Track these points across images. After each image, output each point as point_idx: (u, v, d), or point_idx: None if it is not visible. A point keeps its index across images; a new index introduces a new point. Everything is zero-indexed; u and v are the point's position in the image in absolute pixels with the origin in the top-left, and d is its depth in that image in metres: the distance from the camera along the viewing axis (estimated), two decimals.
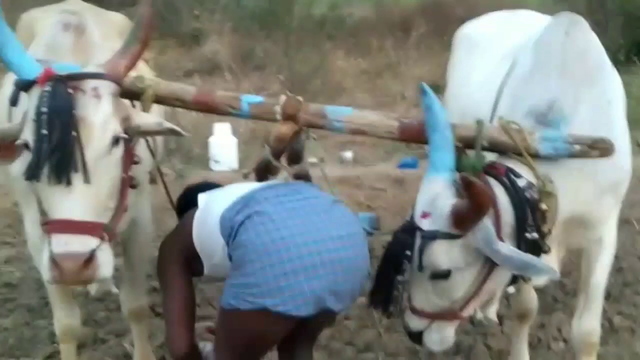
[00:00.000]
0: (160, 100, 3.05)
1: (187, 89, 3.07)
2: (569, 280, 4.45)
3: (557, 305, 4.54)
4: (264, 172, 4.23)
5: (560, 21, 3.02)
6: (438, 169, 2.71)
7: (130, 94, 2.93)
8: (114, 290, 4.84)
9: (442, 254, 2.60)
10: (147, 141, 3.22)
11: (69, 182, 2.44)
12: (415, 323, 2.87)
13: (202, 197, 2.84)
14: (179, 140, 7.13)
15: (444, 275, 2.65)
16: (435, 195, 2.65)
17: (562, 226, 2.89)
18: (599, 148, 2.75)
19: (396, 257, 2.66)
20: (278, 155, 3.33)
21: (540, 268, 2.57)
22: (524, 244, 2.69)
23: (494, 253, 2.56)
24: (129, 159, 2.82)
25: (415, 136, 2.96)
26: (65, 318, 3.49)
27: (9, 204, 6.41)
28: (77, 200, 2.46)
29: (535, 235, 2.69)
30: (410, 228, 2.67)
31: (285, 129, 2.98)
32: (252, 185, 2.83)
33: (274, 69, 11.25)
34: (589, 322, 3.28)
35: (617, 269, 3.28)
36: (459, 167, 2.75)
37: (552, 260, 3.00)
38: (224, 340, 2.69)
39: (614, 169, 2.97)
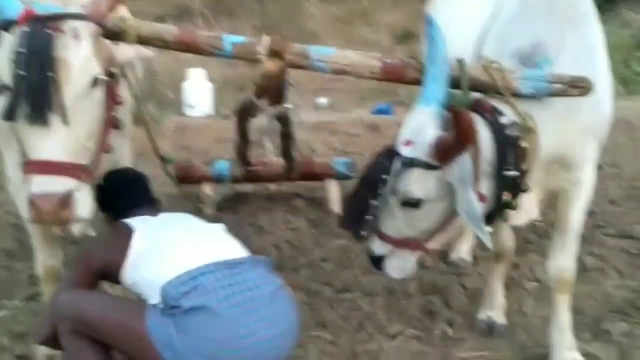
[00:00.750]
0: (142, 40, 3.02)
1: (169, 29, 3.05)
2: (542, 223, 4.54)
3: (530, 247, 4.63)
4: (245, 113, 4.26)
5: None
6: (429, 100, 2.75)
7: (113, 34, 2.91)
8: (92, 233, 4.89)
9: (417, 182, 2.66)
10: (129, 82, 3.21)
11: (46, 123, 2.45)
12: (379, 247, 2.91)
13: (137, 234, 2.82)
14: (152, 86, 7.07)
15: (415, 204, 2.71)
16: (422, 125, 2.69)
17: (543, 167, 2.95)
18: (579, 87, 2.80)
19: (373, 180, 2.71)
20: (260, 96, 3.35)
21: (482, 231, 2.64)
22: (503, 181, 2.75)
23: (461, 193, 2.62)
24: (112, 100, 2.83)
25: (397, 76, 2.99)
26: (47, 259, 3.50)
27: None
28: (55, 141, 2.48)
29: (515, 172, 2.75)
30: (390, 153, 2.72)
31: (272, 65, 2.97)
32: (188, 242, 2.82)
33: (246, 15, 11.14)
34: (564, 260, 3.36)
35: (588, 212, 3.35)
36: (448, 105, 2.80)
37: (531, 202, 3.08)
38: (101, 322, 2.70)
39: (597, 111, 3.03)
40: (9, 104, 2.46)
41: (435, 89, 2.76)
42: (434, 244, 2.91)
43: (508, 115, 2.79)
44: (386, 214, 2.83)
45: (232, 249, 2.86)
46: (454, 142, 2.56)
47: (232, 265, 2.71)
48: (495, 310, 3.79)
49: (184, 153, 6.31)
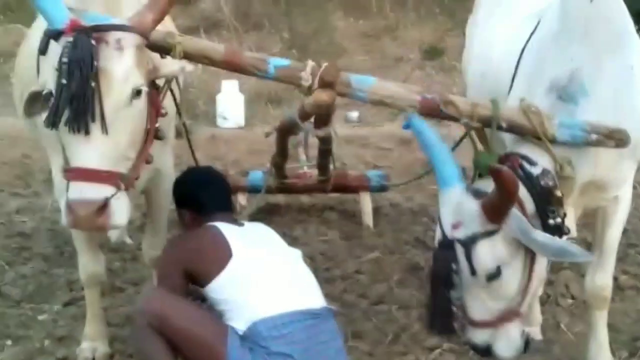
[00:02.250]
0: (188, 56, 3.04)
1: (216, 48, 3.07)
2: (575, 240, 4.54)
3: (565, 264, 4.62)
4: (287, 131, 4.35)
5: None
6: (447, 181, 2.77)
7: (160, 48, 2.95)
8: (128, 240, 4.96)
9: (488, 253, 2.63)
10: (173, 94, 3.25)
11: (87, 132, 2.49)
12: (480, 336, 2.84)
13: (235, 251, 2.93)
14: (185, 97, 7.14)
15: (496, 274, 2.67)
16: (457, 204, 2.70)
17: (580, 189, 2.95)
18: (615, 139, 2.78)
19: (444, 273, 2.69)
20: (305, 119, 3.38)
21: (575, 253, 2.62)
22: (548, 230, 2.74)
23: (530, 241, 2.61)
24: (155, 111, 2.87)
25: (435, 112, 2.95)
26: (90, 264, 3.55)
27: (18, 155, 6.46)
28: (95, 150, 2.53)
29: (558, 220, 2.76)
30: (446, 243, 2.71)
31: (324, 96, 2.97)
32: (281, 277, 2.97)
33: (274, 28, 11.24)
34: (602, 277, 3.37)
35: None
36: (475, 164, 2.85)
37: (569, 221, 3.08)
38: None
39: (637, 134, 3.02)
40: (50, 111, 2.51)
41: (447, 169, 2.79)
42: (525, 306, 2.85)
43: (539, 164, 2.80)
44: (472, 302, 2.79)
45: (315, 293, 3.04)
46: (502, 199, 2.55)
47: (314, 315, 2.89)
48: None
49: (217, 163, 6.35)
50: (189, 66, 2.90)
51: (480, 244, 2.63)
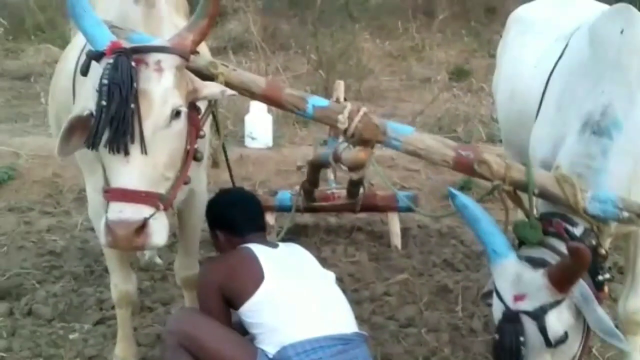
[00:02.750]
0: (229, 86, 3.05)
1: (257, 82, 3.06)
2: (608, 264, 4.50)
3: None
4: (319, 166, 4.42)
5: (616, 17, 3.01)
6: (500, 253, 2.73)
7: (203, 76, 2.96)
8: (158, 260, 4.99)
9: (558, 321, 2.61)
10: (214, 116, 3.28)
11: (126, 153, 2.52)
12: None
13: (268, 274, 2.96)
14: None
15: (564, 339, 2.65)
16: (516, 275, 2.67)
17: None
18: None
19: (514, 347, 2.63)
20: (339, 161, 3.40)
21: (620, 339, 2.61)
22: (598, 286, 2.74)
23: (590, 312, 2.61)
24: (195, 132, 2.89)
25: (468, 169, 2.92)
26: (122, 283, 3.57)
27: (49, 175, 6.54)
28: (134, 170, 2.55)
29: (606, 276, 2.77)
30: (511, 316, 2.66)
31: (363, 155, 2.98)
32: (314, 301, 3.00)
33: (301, 49, 11.32)
34: (635, 301, 3.33)
35: None
36: (517, 234, 2.81)
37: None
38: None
39: None
40: (90, 132, 2.54)
41: (497, 240, 2.75)
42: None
43: (580, 223, 2.78)
44: None
45: (347, 317, 3.06)
46: (575, 272, 2.53)
47: (345, 341, 2.91)
48: None
49: (245, 183, 6.39)
50: (229, 90, 2.92)
51: (550, 314, 2.60)
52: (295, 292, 2.96)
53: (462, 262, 5.07)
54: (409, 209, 5.37)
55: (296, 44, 11.52)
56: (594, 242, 2.76)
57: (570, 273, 2.54)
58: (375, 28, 12.77)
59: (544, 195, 2.81)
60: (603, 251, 2.77)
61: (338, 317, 3.01)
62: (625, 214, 2.69)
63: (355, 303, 4.33)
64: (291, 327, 2.86)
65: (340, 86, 4.92)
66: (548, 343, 2.61)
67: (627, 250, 3.33)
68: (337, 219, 5.87)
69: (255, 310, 2.91)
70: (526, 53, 3.81)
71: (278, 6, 12.93)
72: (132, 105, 2.51)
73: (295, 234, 5.49)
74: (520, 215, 3.08)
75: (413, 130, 2.97)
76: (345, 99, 4.89)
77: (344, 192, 5.24)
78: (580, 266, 2.49)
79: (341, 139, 3.04)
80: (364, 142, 2.96)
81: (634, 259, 3.31)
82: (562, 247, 2.72)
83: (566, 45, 3.35)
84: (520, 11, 4.35)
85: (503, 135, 4.53)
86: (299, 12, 12.45)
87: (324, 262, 4.91)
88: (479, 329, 4.16)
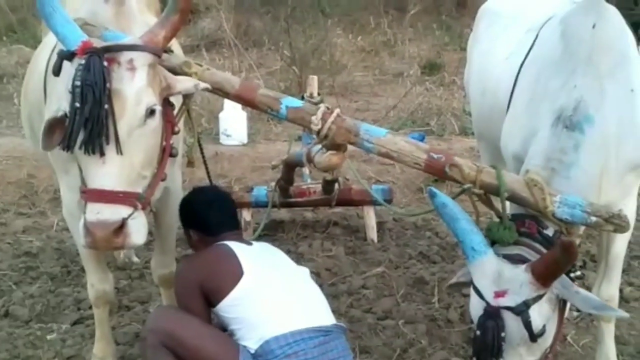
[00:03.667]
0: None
1: (231, 82, 3.06)
2: (580, 254, 4.56)
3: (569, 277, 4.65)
4: (293, 165, 4.46)
5: (588, 11, 3.06)
6: (478, 250, 2.76)
7: (176, 74, 2.95)
8: (136, 259, 4.98)
9: (539, 315, 2.64)
10: (189, 113, 3.27)
11: (102, 154, 2.52)
12: None
13: (247, 269, 2.96)
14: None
15: (542, 332, 2.69)
16: (497, 272, 2.70)
17: None
18: (614, 223, 2.75)
19: (495, 343, 2.67)
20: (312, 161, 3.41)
21: (613, 309, 2.74)
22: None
23: (573, 295, 2.67)
24: (170, 128, 2.89)
25: (439, 172, 2.93)
26: (99, 283, 3.56)
27: (24, 175, 6.49)
28: (110, 171, 2.56)
29: (577, 273, 2.80)
30: (492, 312, 2.68)
31: (336, 159, 3.02)
32: (292, 295, 3.02)
33: (274, 45, 11.32)
34: (608, 289, 3.41)
35: None
36: (490, 235, 2.83)
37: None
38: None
39: (637, 152, 3.04)
40: (66, 134, 2.53)
41: (475, 238, 2.77)
42: (554, 351, 2.89)
43: (550, 225, 2.83)
44: (509, 358, 2.74)
45: (325, 310, 3.09)
46: (562, 266, 2.57)
47: (325, 333, 2.93)
48: None
49: (221, 180, 6.41)
50: (202, 84, 2.92)
51: (533, 308, 2.63)
52: (274, 287, 2.98)
53: (438, 254, 5.11)
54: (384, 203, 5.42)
55: (269, 41, 11.52)
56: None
57: (557, 268, 2.57)
58: (347, 23, 12.80)
59: (514, 198, 2.84)
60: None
61: (317, 310, 3.04)
62: (593, 219, 2.73)
63: (333, 297, 4.37)
64: (272, 320, 2.88)
65: (313, 82, 4.93)
66: (532, 337, 2.65)
67: (600, 239, 3.39)
68: (313, 214, 5.89)
69: (235, 305, 2.91)
70: (496, 46, 3.84)
71: (250, 3, 12.90)
72: (106, 106, 2.51)
73: (271, 230, 5.51)
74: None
75: (386, 132, 2.98)
76: (319, 94, 4.90)
77: (319, 187, 5.27)
78: (569, 261, 2.54)
79: (315, 138, 3.04)
80: (337, 146, 2.99)
81: (607, 247, 3.37)
82: (537, 245, 2.78)
83: (536, 37, 3.39)
84: (490, 4, 4.38)
85: (475, 128, 4.58)
86: (272, 8, 12.45)
87: (301, 257, 4.98)
88: (455, 319, 4.21)
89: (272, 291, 2.96)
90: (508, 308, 2.65)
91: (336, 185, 5.13)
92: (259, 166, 6.94)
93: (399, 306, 4.41)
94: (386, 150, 2.92)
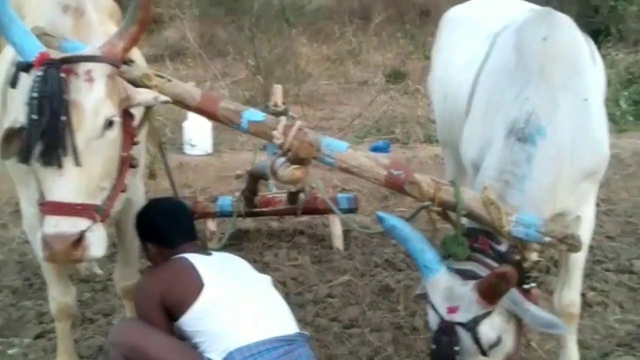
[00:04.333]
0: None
1: (192, 94, 3.03)
2: (543, 259, 4.60)
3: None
4: (258, 176, 4.44)
5: (540, 23, 3.10)
6: (432, 268, 2.82)
7: (136, 86, 2.93)
8: (99, 271, 4.93)
9: (490, 329, 2.71)
10: (150, 123, 3.24)
11: (60, 166, 2.50)
12: None
13: (208, 282, 2.94)
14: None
15: (497, 342, 2.74)
16: (449, 289, 2.77)
17: None
18: (568, 244, 2.80)
19: (450, 358, 2.73)
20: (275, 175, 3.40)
21: (560, 326, 2.74)
22: (523, 294, 2.82)
23: (523, 312, 2.73)
24: (130, 139, 2.87)
25: (398, 189, 2.95)
26: (61, 296, 3.51)
27: None
28: (68, 183, 2.53)
29: (532, 284, 2.87)
30: (446, 327, 2.75)
31: (299, 173, 3.00)
32: (254, 305, 3.00)
33: (238, 55, 11.31)
34: (569, 294, 3.46)
35: (588, 248, 3.46)
36: (444, 249, 2.87)
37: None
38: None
39: (596, 155, 3.10)
40: (24, 146, 2.51)
41: (427, 256, 2.84)
42: (518, 355, 2.92)
43: (503, 241, 2.86)
44: None
45: (288, 319, 3.07)
46: (503, 290, 2.63)
47: (289, 342, 2.93)
48: None
49: (186, 191, 6.38)
50: (162, 97, 2.90)
51: (482, 324, 2.70)
52: (236, 297, 2.96)
53: (403, 262, 5.12)
54: (349, 211, 5.43)
55: (234, 50, 11.50)
56: (517, 258, 2.83)
57: (497, 291, 2.65)
58: (312, 32, 12.86)
59: (471, 216, 2.87)
60: (527, 264, 2.84)
61: (280, 319, 3.03)
62: (547, 239, 2.77)
63: (299, 306, 4.37)
64: (236, 332, 2.86)
65: (278, 90, 4.93)
66: (482, 352, 2.72)
67: None
68: (279, 223, 5.88)
69: (198, 318, 2.89)
70: (457, 54, 3.88)
71: (215, 13, 12.90)
72: (63, 118, 2.48)
73: (237, 239, 5.49)
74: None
75: (347, 146, 2.98)
76: (283, 103, 4.90)
77: (285, 197, 5.26)
78: (507, 286, 2.63)
79: (278, 150, 3.03)
80: (300, 160, 2.97)
81: (567, 254, 3.39)
82: (490, 261, 2.82)
83: (492, 45, 3.42)
84: (452, 12, 4.43)
85: (439, 135, 4.61)
86: (236, 18, 12.45)
87: (267, 267, 4.96)
88: (421, 327, 4.21)
89: (235, 302, 2.94)
90: (460, 324, 2.72)
91: (301, 195, 5.13)
92: (224, 176, 6.91)
93: (365, 314, 4.41)
94: (347, 166, 2.93)
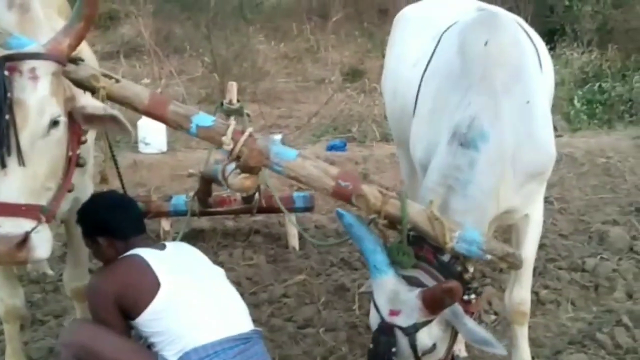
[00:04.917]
0: (111, 99, 2.93)
1: (141, 97, 2.92)
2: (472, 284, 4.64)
3: (486, 280, 4.74)
4: (210, 180, 4.41)
5: (482, 27, 3.12)
6: (381, 270, 2.85)
7: (84, 87, 2.85)
8: (49, 272, 4.84)
9: (427, 336, 2.75)
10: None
11: (3, 165, 2.44)
12: None
13: (163, 280, 2.89)
14: None
15: (432, 349, 2.79)
16: (393, 292, 2.79)
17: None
18: (508, 261, 2.87)
19: (385, 357, 2.76)
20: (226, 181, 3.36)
21: (494, 345, 2.76)
22: (463, 304, 2.84)
23: (460, 325, 2.76)
24: (76, 138, 2.81)
25: (345, 200, 2.94)
26: (8, 298, 3.45)
27: None
28: (12, 183, 2.47)
29: (472, 296, 2.89)
30: (386, 328, 2.78)
31: (249, 183, 3.00)
32: (210, 303, 2.97)
33: (195, 52, 11.23)
34: (519, 293, 3.48)
35: (539, 245, 3.49)
36: (391, 257, 2.87)
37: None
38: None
39: (540, 159, 3.13)
40: None
41: (378, 258, 2.86)
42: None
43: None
44: None
45: (243, 315, 3.07)
46: (447, 301, 2.68)
47: (245, 340, 2.93)
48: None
49: (140, 189, 6.30)
50: (111, 110, 2.79)
51: (421, 331, 2.74)
52: (192, 296, 2.93)
53: (359, 261, 5.11)
54: (306, 210, 5.41)
55: (190, 47, 11.42)
56: (459, 269, 2.87)
57: (441, 303, 2.70)
58: (270, 30, 12.82)
59: (416, 230, 2.89)
60: (467, 276, 2.88)
61: (236, 317, 3.01)
62: (488, 256, 2.82)
63: (254, 306, 4.33)
64: (193, 331, 2.84)
65: (232, 88, 4.88)
66: (416, 357, 2.76)
67: (511, 243, 3.45)
68: (234, 222, 5.85)
69: (155, 319, 2.85)
70: (406, 52, 3.88)
71: (170, 9, 12.76)
72: (7, 117, 2.42)
73: (191, 239, 5.41)
74: None
75: (296, 155, 2.93)
76: (238, 101, 4.86)
77: (240, 196, 5.22)
78: (451, 301, 2.69)
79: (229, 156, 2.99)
80: (250, 169, 2.95)
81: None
82: (434, 270, 2.85)
83: (437, 44, 3.44)
84: (406, 11, 4.43)
85: (393, 134, 4.61)
86: (192, 15, 12.33)
87: (222, 266, 4.74)
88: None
89: (191, 300, 2.91)
90: (399, 327, 2.75)
91: (256, 195, 5.10)
92: (179, 175, 6.87)
93: (320, 314, 4.40)
94: (295, 175, 2.90)
